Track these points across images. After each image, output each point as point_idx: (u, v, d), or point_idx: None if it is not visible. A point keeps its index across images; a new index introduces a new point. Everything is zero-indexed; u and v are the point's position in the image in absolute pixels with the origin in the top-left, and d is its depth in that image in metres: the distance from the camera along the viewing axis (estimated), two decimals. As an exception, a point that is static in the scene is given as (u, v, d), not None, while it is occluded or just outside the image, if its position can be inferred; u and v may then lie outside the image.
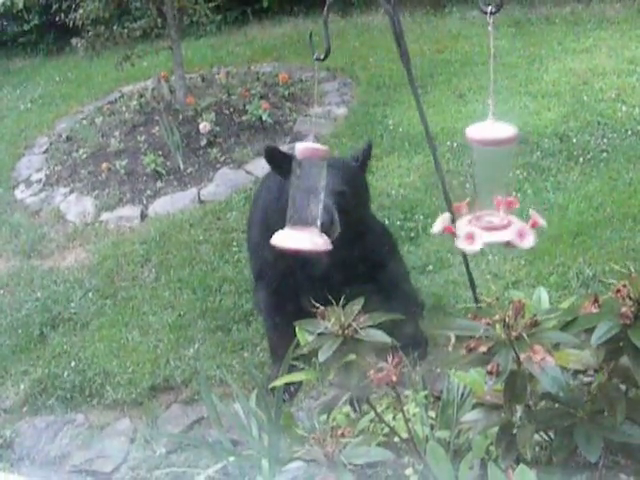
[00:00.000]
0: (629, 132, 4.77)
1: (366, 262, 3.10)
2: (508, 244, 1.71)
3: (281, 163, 2.85)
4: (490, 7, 1.73)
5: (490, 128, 1.70)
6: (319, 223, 2.16)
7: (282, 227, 2.37)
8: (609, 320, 1.27)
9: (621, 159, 4.49)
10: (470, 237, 1.68)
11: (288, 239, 2.13)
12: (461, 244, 1.67)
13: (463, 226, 1.74)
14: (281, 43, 7.85)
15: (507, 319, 1.27)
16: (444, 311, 3.44)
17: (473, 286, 2.30)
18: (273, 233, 2.72)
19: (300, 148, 2.09)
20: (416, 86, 2.17)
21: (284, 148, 5.29)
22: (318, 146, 2.10)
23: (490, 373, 1.24)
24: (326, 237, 2.19)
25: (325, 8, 2.19)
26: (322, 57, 2.20)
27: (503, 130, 1.69)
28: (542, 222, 1.72)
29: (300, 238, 2.12)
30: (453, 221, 1.84)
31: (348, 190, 2.89)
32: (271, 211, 3.04)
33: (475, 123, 1.74)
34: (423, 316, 3.44)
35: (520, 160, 4.58)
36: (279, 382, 1.82)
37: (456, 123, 5.22)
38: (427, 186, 4.55)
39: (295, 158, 2.08)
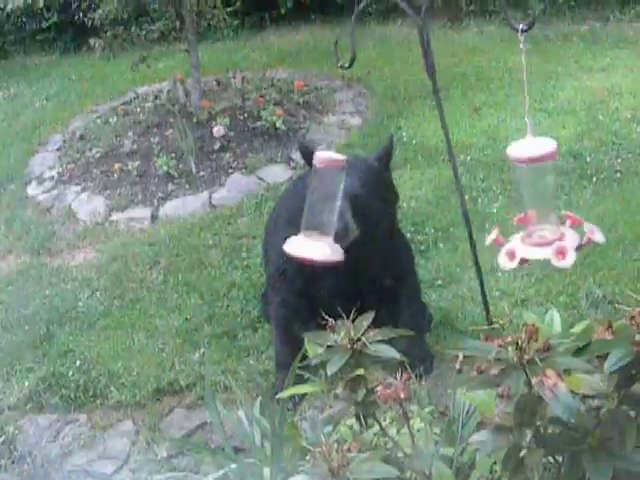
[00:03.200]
0: (643, 153, 4.76)
1: (384, 274, 3.09)
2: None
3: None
4: (522, 25, 1.73)
5: (530, 145, 1.69)
6: (334, 232, 2.17)
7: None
8: (623, 347, 1.26)
9: (635, 180, 4.47)
10: (511, 253, 1.68)
11: (300, 247, 2.13)
12: (501, 260, 1.67)
13: (513, 241, 1.73)
14: (297, 50, 7.86)
15: (520, 342, 1.26)
16: (452, 327, 3.44)
17: (487, 306, 2.29)
18: None
19: (319, 157, 2.10)
20: (440, 99, 2.17)
21: (296, 156, 5.32)
22: (337, 156, 2.10)
23: (501, 396, 1.24)
24: (339, 247, 2.19)
25: (353, 16, 2.20)
26: (347, 65, 2.21)
27: (543, 146, 1.68)
28: (600, 238, 1.71)
29: (312, 247, 2.12)
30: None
31: (366, 193, 2.85)
32: (296, 220, 3.02)
33: (514, 142, 1.74)
34: (430, 330, 3.43)
35: (533, 177, 4.56)
36: (286, 394, 1.82)
37: (470, 137, 5.21)
38: (439, 199, 4.54)
39: (313, 166, 2.09)
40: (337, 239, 2.36)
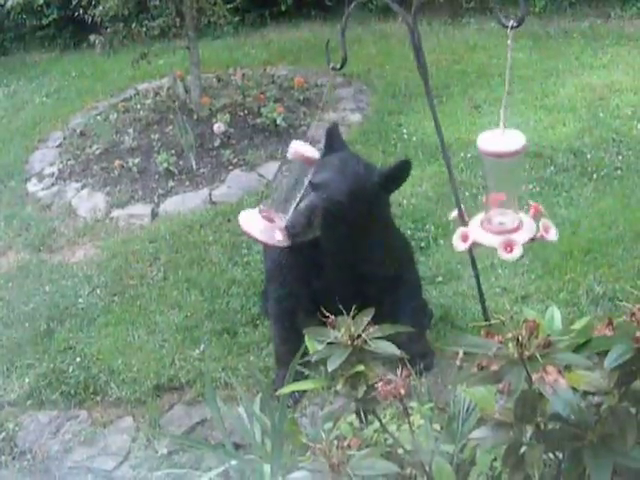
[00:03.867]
0: (644, 150, 4.76)
1: (383, 272, 3.09)
2: (532, 240, 1.75)
3: (334, 143, 2.87)
4: (511, 22, 1.73)
5: (500, 138, 1.72)
6: (287, 219, 2.31)
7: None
8: (623, 344, 1.26)
9: (635, 177, 4.47)
10: (464, 236, 1.73)
11: (247, 220, 2.24)
12: (454, 241, 1.73)
13: (474, 225, 1.78)
14: (298, 47, 7.85)
15: (520, 338, 1.26)
16: (452, 323, 3.44)
17: (483, 301, 2.29)
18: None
19: (294, 150, 2.14)
20: (432, 98, 2.17)
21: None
22: (310, 154, 2.14)
23: (501, 392, 1.24)
24: (282, 233, 2.29)
25: (344, 18, 2.19)
26: (338, 67, 2.21)
27: (512, 141, 1.71)
28: (553, 237, 1.75)
29: (256, 224, 2.22)
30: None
31: (349, 201, 2.75)
32: None
33: (485, 131, 1.77)
34: (431, 327, 3.43)
35: (533, 174, 4.57)
36: (286, 390, 1.82)
37: (470, 134, 5.20)
38: (439, 196, 4.54)
39: (286, 157, 2.18)
40: (288, 230, 2.42)
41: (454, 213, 1.93)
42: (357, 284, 3.02)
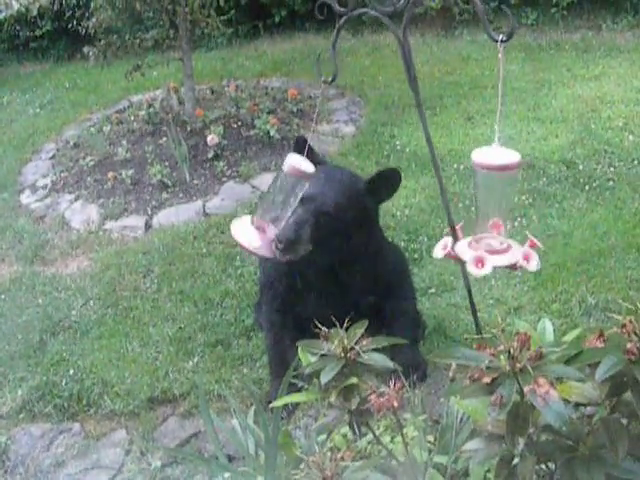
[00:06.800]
0: (635, 161, 4.78)
1: (375, 285, 3.09)
2: (513, 267, 1.75)
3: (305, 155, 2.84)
4: (501, 36, 1.74)
5: (495, 153, 1.73)
6: (278, 233, 2.30)
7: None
8: (614, 355, 1.27)
9: (627, 188, 4.49)
10: (479, 261, 1.71)
11: (239, 229, 2.23)
12: (471, 268, 1.71)
13: (464, 250, 1.78)
14: (291, 58, 7.89)
15: (512, 351, 1.27)
16: (445, 335, 3.44)
17: (475, 314, 2.29)
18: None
19: (290, 164, 2.15)
20: (423, 112, 2.17)
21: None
22: (306, 169, 2.14)
23: (494, 404, 1.24)
24: (271, 244, 2.29)
25: (334, 32, 2.21)
26: (329, 80, 2.22)
27: (507, 156, 1.72)
28: (532, 267, 1.75)
29: (247, 233, 2.21)
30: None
31: (335, 212, 2.76)
32: None
33: (481, 147, 1.78)
34: (424, 338, 3.43)
35: (526, 185, 4.58)
36: (279, 403, 1.82)
37: (464, 146, 5.23)
38: (433, 208, 4.55)
39: (281, 170, 2.17)
40: (276, 244, 2.42)
41: (458, 227, 1.92)
42: (351, 297, 3.02)
